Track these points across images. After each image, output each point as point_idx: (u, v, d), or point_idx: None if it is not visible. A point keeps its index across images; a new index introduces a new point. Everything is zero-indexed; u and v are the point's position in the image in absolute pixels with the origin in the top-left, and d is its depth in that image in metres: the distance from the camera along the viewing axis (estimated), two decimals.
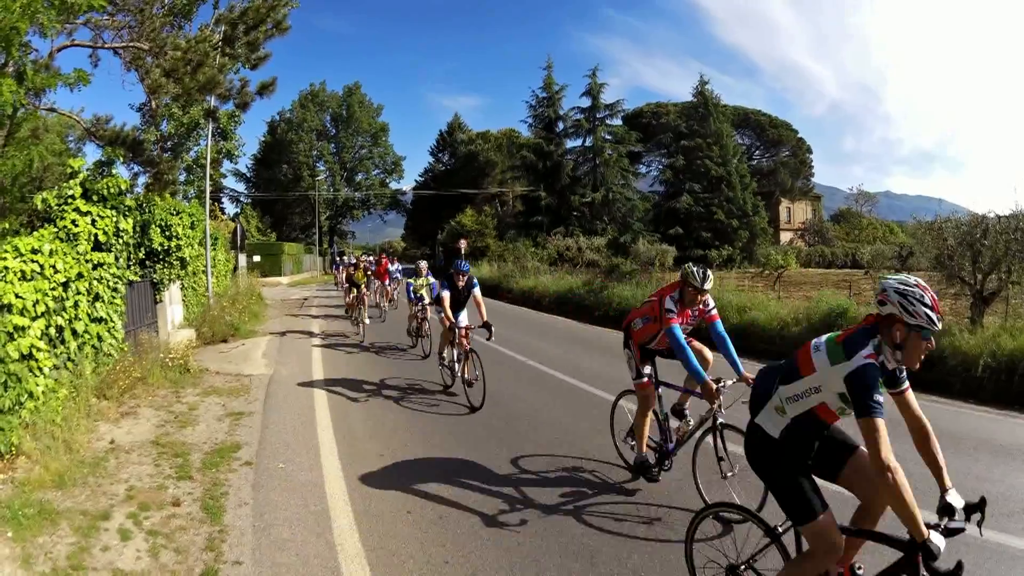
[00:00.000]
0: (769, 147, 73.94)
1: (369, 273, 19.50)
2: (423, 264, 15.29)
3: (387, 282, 21.47)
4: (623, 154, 54.64)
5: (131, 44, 11.49)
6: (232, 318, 15.93)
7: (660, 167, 61.60)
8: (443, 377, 10.44)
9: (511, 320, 20.07)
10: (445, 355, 10.30)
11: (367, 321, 16.20)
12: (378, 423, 8.32)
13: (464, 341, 9.38)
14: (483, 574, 4.50)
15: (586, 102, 54.01)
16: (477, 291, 9.85)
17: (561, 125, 55.28)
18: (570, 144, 55.84)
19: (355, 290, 17.02)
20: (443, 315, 9.53)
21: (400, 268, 23.18)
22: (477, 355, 9.13)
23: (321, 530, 5.13)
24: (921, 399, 9.22)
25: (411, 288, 14.48)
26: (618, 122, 57.03)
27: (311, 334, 16.88)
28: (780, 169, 70.78)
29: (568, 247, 36.42)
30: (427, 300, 13.85)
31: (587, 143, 54.74)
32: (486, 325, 9.03)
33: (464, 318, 10.07)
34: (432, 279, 14.52)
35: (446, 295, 9.50)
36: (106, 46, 11.46)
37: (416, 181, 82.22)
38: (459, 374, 9.68)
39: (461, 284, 9.73)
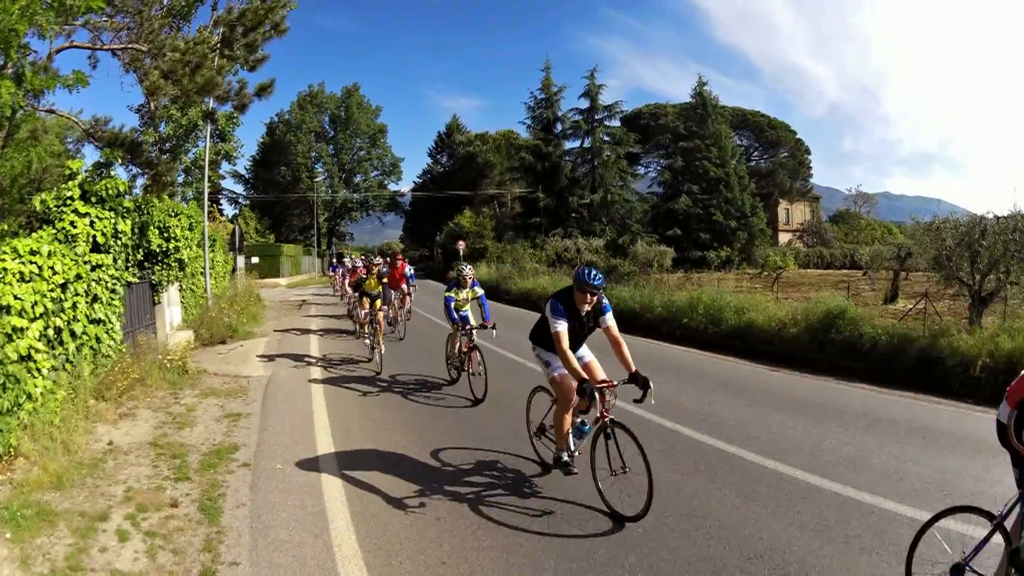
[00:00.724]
0: (768, 148, 74.07)
1: (383, 280, 14.81)
2: (467, 271, 10.62)
3: (404, 286, 17.52)
4: (621, 155, 54.74)
5: (130, 46, 11.50)
6: (230, 319, 15.92)
7: (658, 168, 61.76)
8: (536, 451, 6.73)
9: (509, 321, 20.03)
10: (569, 423, 6.03)
11: (384, 349, 12.10)
12: (375, 424, 8.32)
13: (604, 408, 5.47)
14: (480, 575, 4.50)
15: (584, 103, 54.25)
16: (610, 319, 5.95)
17: (559, 126, 55.51)
18: (568, 145, 56.12)
19: (367, 303, 13.38)
20: (560, 367, 5.83)
21: (413, 271, 18.68)
22: (630, 433, 5.36)
23: (318, 531, 5.13)
24: (919, 399, 9.24)
25: (451, 303, 10.25)
26: (616, 123, 57.31)
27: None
28: (779, 170, 70.91)
29: (566, 248, 36.54)
30: (473, 322, 10.49)
31: (585, 144, 54.89)
32: (636, 377, 5.46)
33: (589, 357, 6.19)
34: (480, 290, 10.77)
35: (562, 329, 5.62)
36: (105, 47, 11.47)
37: (415, 182, 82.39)
38: (575, 451, 6.02)
39: (587, 308, 5.85)
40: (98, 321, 8.60)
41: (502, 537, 4.99)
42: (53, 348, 7.33)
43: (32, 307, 6.65)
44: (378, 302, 13.48)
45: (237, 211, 66.72)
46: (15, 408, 6.05)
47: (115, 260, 9.41)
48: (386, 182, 78.77)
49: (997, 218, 11.52)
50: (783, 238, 67.15)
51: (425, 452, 7.13)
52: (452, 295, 10.28)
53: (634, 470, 5.21)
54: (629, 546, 4.81)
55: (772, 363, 12.17)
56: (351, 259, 28.97)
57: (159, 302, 12.75)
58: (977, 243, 11.42)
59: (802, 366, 11.76)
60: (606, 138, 55.00)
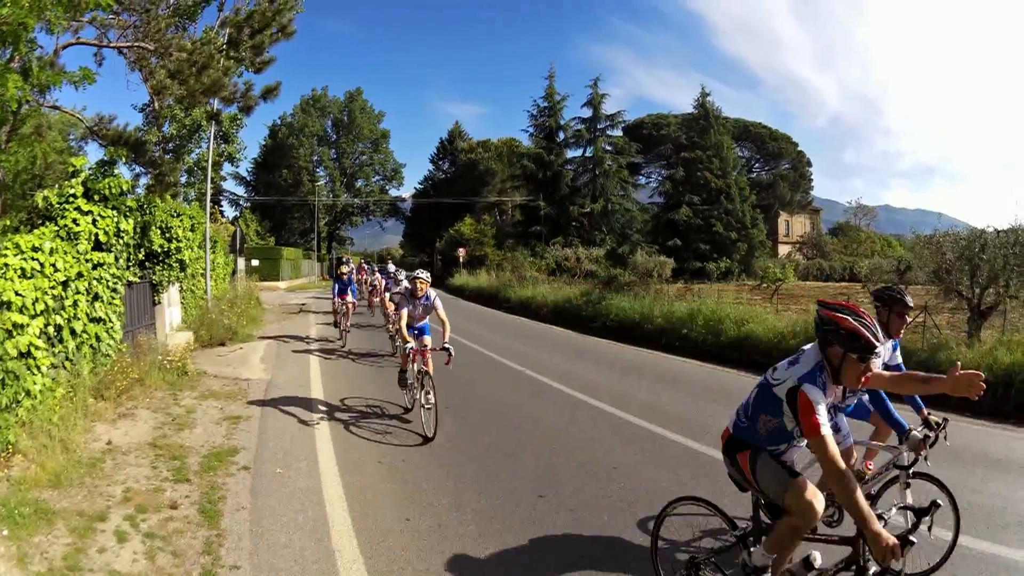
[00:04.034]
0: (769, 160, 74.15)
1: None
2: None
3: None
4: (623, 165, 54.80)
5: (136, 44, 11.51)
6: (230, 322, 15.87)
7: (660, 178, 61.90)
8: None
9: (511, 330, 20.03)
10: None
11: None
12: (376, 430, 8.29)
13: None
14: None
15: (587, 112, 54.31)
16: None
17: (562, 135, 55.54)
18: (570, 154, 56.18)
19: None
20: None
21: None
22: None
23: (319, 536, 5.10)
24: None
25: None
26: (619, 133, 57.30)
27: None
28: (779, 182, 70.95)
29: (566, 257, 36.46)
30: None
31: (587, 153, 54.95)
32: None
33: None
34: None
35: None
36: (111, 45, 11.49)
37: (416, 188, 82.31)
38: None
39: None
40: (98, 320, 8.58)
41: (504, 547, 4.97)
42: (53, 345, 7.31)
43: (33, 304, 6.64)
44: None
45: (238, 213, 66.71)
46: (13, 404, 6.02)
47: (116, 259, 9.40)
48: (387, 187, 78.96)
49: (997, 232, 11.55)
50: (783, 250, 67.20)
51: (428, 457, 7.11)
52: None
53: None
54: (630, 557, 4.79)
55: None
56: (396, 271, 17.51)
57: (159, 302, 12.72)
58: (977, 257, 11.44)
59: None
60: (608, 147, 55.04)
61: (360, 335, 16.19)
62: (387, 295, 13.55)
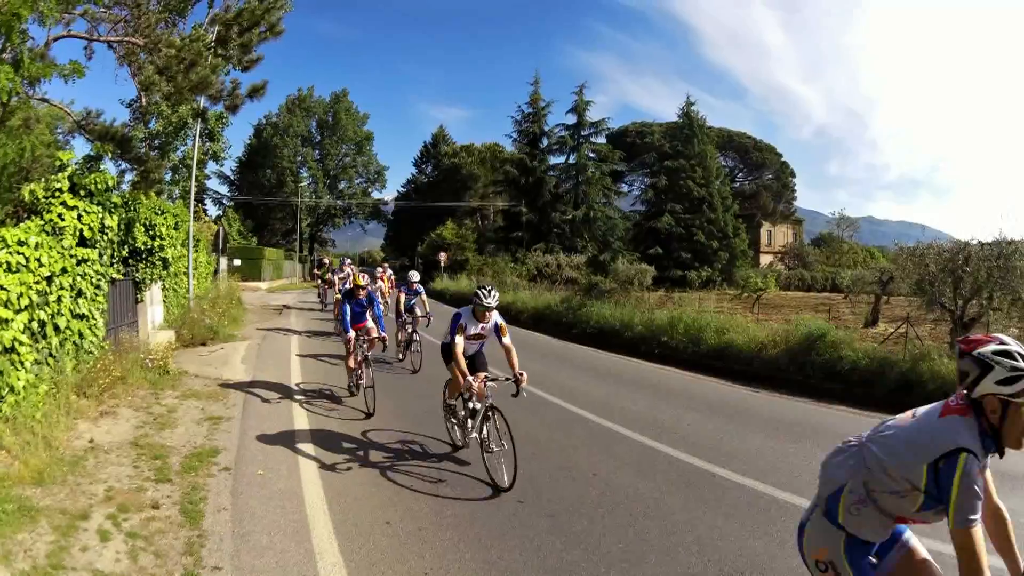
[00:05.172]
0: (752, 170, 74.76)
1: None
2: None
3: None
4: (606, 172, 54.89)
5: (126, 39, 11.43)
6: (212, 321, 15.79)
7: (642, 186, 61.98)
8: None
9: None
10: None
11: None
12: (356, 431, 8.29)
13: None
14: None
15: (571, 119, 54.29)
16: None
17: (545, 141, 55.44)
18: (553, 160, 56.07)
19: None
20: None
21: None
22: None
23: (300, 538, 5.10)
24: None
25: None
26: (602, 140, 57.44)
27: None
28: (762, 192, 71.53)
29: (547, 263, 36.45)
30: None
31: (571, 160, 54.93)
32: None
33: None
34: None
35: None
36: (101, 39, 11.41)
37: (399, 191, 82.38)
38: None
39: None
40: (82, 316, 8.53)
41: (484, 550, 5.00)
42: (37, 341, 7.25)
43: (18, 298, 6.59)
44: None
45: (221, 212, 66.24)
46: None
47: (101, 255, 9.33)
48: (370, 190, 78.80)
49: (981, 245, 11.72)
50: (764, 260, 67.64)
51: (407, 461, 7.12)
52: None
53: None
54: (609, 562, 4.83)
55: (752, 384, 12.24)
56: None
57: (142, 300, 12.65)
58: (960, 269, 11.61)
59: (782, 387, 11.85)
60: (591, 155, 55.10)
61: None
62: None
